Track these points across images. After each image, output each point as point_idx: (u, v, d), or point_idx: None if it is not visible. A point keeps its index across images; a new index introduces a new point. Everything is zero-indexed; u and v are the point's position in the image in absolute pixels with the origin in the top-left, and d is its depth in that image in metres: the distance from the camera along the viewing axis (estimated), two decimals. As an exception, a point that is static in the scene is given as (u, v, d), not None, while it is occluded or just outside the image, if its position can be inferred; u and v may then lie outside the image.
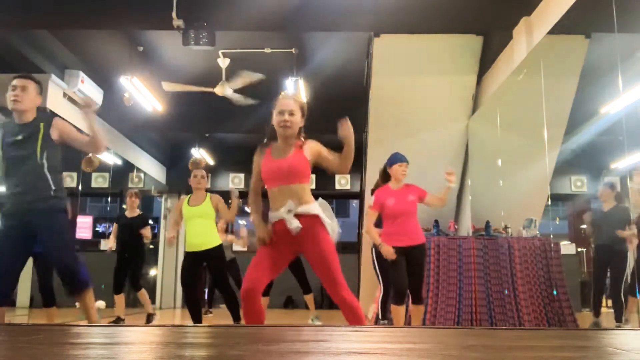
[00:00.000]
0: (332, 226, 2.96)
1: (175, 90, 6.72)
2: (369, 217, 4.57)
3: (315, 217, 2.91)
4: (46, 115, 3.35)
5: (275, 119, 2.98)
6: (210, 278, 8.08)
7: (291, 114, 2.95)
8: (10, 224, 3.15)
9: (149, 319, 6.49)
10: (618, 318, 5.54)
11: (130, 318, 6.62)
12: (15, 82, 3.23)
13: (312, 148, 2.99)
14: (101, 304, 8.15)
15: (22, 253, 3.21)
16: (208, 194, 4.97)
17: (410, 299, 4.49)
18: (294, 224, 2.84)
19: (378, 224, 4.65)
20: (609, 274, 5.82)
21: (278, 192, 2.94)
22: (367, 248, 8.14)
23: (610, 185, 6.00)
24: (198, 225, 4.84)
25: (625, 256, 5.77)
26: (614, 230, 5.66)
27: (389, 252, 4.34)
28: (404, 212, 4.40)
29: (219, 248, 4.89)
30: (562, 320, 5.70)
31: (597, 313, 5.60)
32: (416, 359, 1.44)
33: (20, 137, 3.17)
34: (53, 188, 3.17)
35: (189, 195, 5.01)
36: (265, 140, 3.09)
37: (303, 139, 3.02)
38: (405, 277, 4.47)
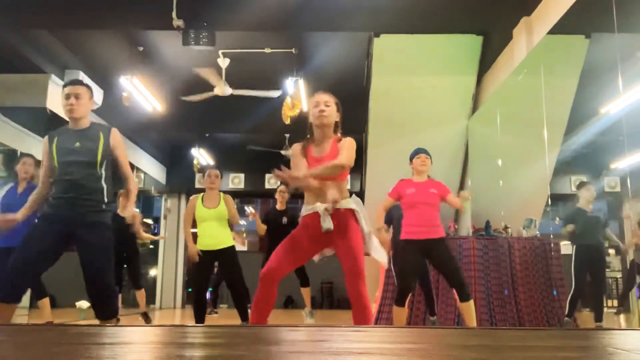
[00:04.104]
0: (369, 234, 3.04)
1: (195, 100, 6.76)
2: (384, 202, 4.50)
3: (350, 211, 2.97)
4: (102, 125, 3.32)
5: (311, 112, 3.06)
6: (215, 278, 8.08)
7: (327, 104, 3.02)
8: (51, 227, 3.06)
9: (147, 317, 6.52)
10: (599, 318, 5.55)
11: (129, 318, 6.62)
12: (67, 90, 3.21)
13: (343, 144, 3.01)
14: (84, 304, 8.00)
15: (50, 258, 3.13)
16: (222, 194, 4.95)
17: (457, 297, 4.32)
18: (327, 225, 2.88)
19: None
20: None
21: (315, 187, 2.97)
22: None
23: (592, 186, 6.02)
24: (213, 227, 4.83)
25: (604, 258, 5.83)
26: (598, 233, 5.74)
27: (383, 238, 4.22)
28: (423, 202, 4.31)
29: (233, 248, 4.90)
30: (562, 320, 5.70)
31: (571, 313, 5.59)
32: (416, 359, 1.44)
33: (78, 144, 3.15)
34: (105, 201, 3.15)
35: (201, 195, 4.95)
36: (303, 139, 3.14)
37: (340, 135, 3.08)
38: (410, 276, 4.40)
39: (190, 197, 5.02)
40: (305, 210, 3.03)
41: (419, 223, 4.31)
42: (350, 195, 3.07)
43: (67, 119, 3.26)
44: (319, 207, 2.92)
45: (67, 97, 3.19)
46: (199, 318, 4.81)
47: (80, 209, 3.07)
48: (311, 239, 2.99)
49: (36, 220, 3.19)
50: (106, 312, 3.16)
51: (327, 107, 3.01)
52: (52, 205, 3.13)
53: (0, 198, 4.95)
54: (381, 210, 4.51)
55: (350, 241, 2.94)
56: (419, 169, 4.43)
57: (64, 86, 3.26)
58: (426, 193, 4.34)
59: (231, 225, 5.07)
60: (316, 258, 3.17)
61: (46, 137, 3.25)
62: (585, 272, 5.68)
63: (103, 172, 3.17)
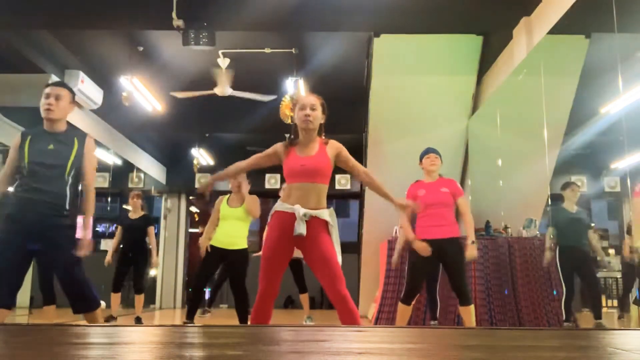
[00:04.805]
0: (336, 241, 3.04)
1: (185, 97, 6.75)
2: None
3: (324, 222, 2.98)
4: (79, 131, 3.29)
5: (297, 115, 3.06)
6: (216, 279, 8.09)
7: (313, 108, 3.03)
8: (16, 229, 3.06)
9: (139, 320, 6.54)
10: (598, 316, 5.54)
11: (128, 319, 6.63)
12: (48, 90, 3.17)
13: (334, 148, 3.06)
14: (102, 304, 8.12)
15: (25, 259, 3.14)
16: (247, 195, 4.98)
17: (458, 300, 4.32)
18: (300, 230, 2.88)
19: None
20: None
21: (297, 188, 2.99)
22: (368, 248, 8.14)
23: (577, 186, 5.98)
24: (232, 226, 4.87)
25: (590, 257, 5.80)
26: (581, 233, 5.69)
27: (422, 249, 4.20)
28: (435, 202, 4.27)
29: (245, 251, 4.92)
30: (562, 320, 5.70)
31: (568, 317, 5.56)
32: (416, 359, 1.44)
33: (51, 147, 3.12)
34: (67, 208, 3.13)
35: (227, 196, 5.02)
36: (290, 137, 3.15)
37: (325, 138, 3.10)
38: (420, 276, 4.38)
39: (219, 198, 5.07)
40: (281, 206, 3.02)
41: (431, 223, 4.29)
42: (331, 201, 3.10)
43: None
44: (298, 209, 2.91)
45: (47, 96, 3.15)
46: (190, 313, 4.81)
47: (42, 210, 3.04)
48: (283, 239, 2.97)
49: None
50: (87, 305, 3.13)
51: (313, 111, 3.01)
52: (15, 205, 3.10)
53: None
54: (404, 221, 4.41)
55: (322, 247, 2.93)
56: (429, 169, 4.41)
57: (46, 86, 3.22)
58: (437, 193, 4.32)
59: None
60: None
61: (20, 133, 3.21)
62: (572, 274, 5.65)
63: (70, 179, 3.13)
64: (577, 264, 5.60)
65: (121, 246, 6.64)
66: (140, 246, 6.61)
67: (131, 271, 6.65)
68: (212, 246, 4.87)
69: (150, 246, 6.67)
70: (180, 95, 6.69)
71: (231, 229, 4.88)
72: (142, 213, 6.77)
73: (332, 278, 2.88)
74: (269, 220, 3.10)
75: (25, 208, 3.07)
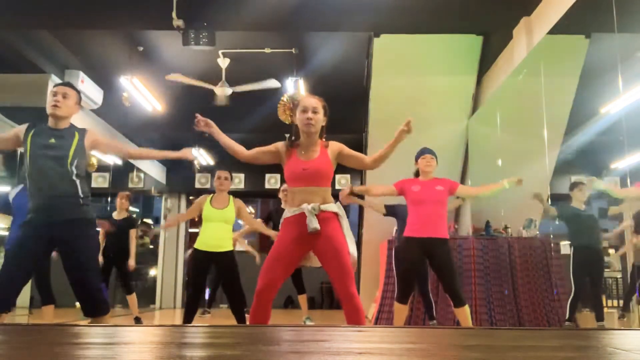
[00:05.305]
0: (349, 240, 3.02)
1: (177, 80, 6.70)
2: (385, 185, 4.48)
3: (334, 215, 2.98)
4: (79, 128, 3.32)
5: (298, 117, 3.03)
6: (214, 279, 8.11)
7: (314, 111, 3.01)
8: (34, 234, 3.06)
9: (138, 321, 6.52)
10: (600, 318, 5.53)
11: (125, 319, 6.63)
12: (56, 89, 3.24)
13: (334, 149, 3.06)
14: None
15: (33, 264, 3.16)
16: (231, 197, 4.93)
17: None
18: (313, 225, 2.88)
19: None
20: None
21: (300, 192, 2.99)
22: (368, 248, 8.15)
23: (585, 185, 5.95)
24: (217, 228, 4.82)
25: (603, 257, 5.77)
26: (595, 232, 5.64)
27: (344, 194, 4.47)
28: (428, 199, 4.26)
29: (232, 253, 4.88)
30: (562, 320, 5.69)
31: (571, 317, 5.55)
32: (416, 359, 1.44)
33: (53, 141, 3.15)
34: (81, 195, 3.14)
35: (211, 195, 4.94)
36: (291, 138, 3.13)
37: (325, 140, 3.09)
38: (411, 274, 4.38)
39: (201, 196, 5.00)
40: (288, 212, 3.02)
41: (423, 221, 4.26)
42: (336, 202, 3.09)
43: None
44: (305, 207, 2.92)
45: (54, 94, 3.21)
46: (187, 319, 4.79)
47: (57, 209, 3.06)
48: (295, 241, 2.96)
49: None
50: (97, 309, 3.13)
51: (315, 114, 2.99)
52: (31, 210, 3.11)
53: (12, 199, 5.16)
54: (377, 186, 4.52)
55: (334, 242, 2.92)
56: (424, 170, 4.40)
57: (54, 86, 3.29)
58: (432, 190, 4.30)
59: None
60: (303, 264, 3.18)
61: (25, 125, 3.24)
62: (585, 274, 5.62)
63: (74, 169, 3.14)
64: (589, 265, 5.56)
65: (103, 247, 6.63)
66: (121, 247, 6.58)
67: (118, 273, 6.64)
68: (199, 250, 4.82)
69: (130, 248, 6.63)
70: (175, 78, 6.63)
71: (216, 231, 4.81)
72: (126, 215, 6.74)
73: (342, 274, 2.88)
74: (279, 226, 3.10)
75: (42, 211, 3.07)
